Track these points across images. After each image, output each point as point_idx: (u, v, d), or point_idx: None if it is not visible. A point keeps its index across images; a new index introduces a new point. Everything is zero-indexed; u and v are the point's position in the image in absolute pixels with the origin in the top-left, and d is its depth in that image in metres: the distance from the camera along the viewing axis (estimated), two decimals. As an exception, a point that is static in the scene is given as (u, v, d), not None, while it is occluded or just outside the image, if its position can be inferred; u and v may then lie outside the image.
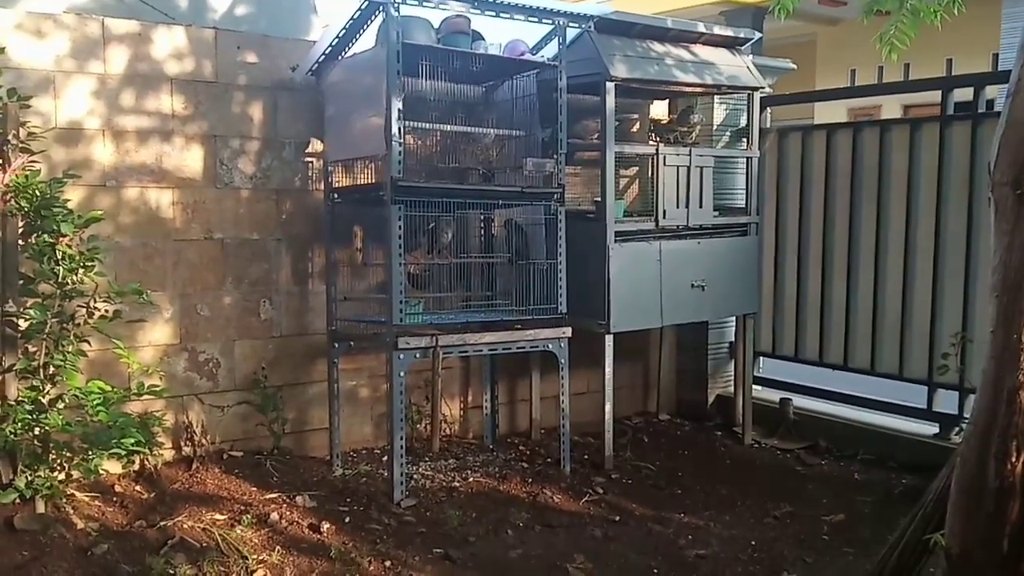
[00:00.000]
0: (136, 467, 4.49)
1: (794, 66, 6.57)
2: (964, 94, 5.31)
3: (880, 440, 5.55)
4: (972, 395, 4.33)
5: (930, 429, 5.42)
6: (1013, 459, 2.83)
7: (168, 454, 4.75)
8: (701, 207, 5.55)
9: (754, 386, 6.16)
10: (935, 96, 5.43)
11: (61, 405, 3.94)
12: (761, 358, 6.42)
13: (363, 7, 4.48)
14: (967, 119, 5.24)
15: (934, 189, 5.37)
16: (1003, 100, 3.07)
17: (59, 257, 3.91)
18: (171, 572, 3.63)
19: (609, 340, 5.21)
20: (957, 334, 5.19)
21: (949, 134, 5.31)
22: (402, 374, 4.51)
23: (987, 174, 3.00)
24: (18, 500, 3.85)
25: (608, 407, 5.26)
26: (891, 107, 11.96)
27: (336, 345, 5.02)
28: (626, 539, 4.35)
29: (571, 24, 4.92)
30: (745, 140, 5.97)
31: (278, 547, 3.96)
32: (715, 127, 6.29)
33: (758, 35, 5.99)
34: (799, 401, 6.11)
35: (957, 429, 5.22)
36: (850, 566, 4.08)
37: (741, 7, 12.50)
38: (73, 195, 4.28)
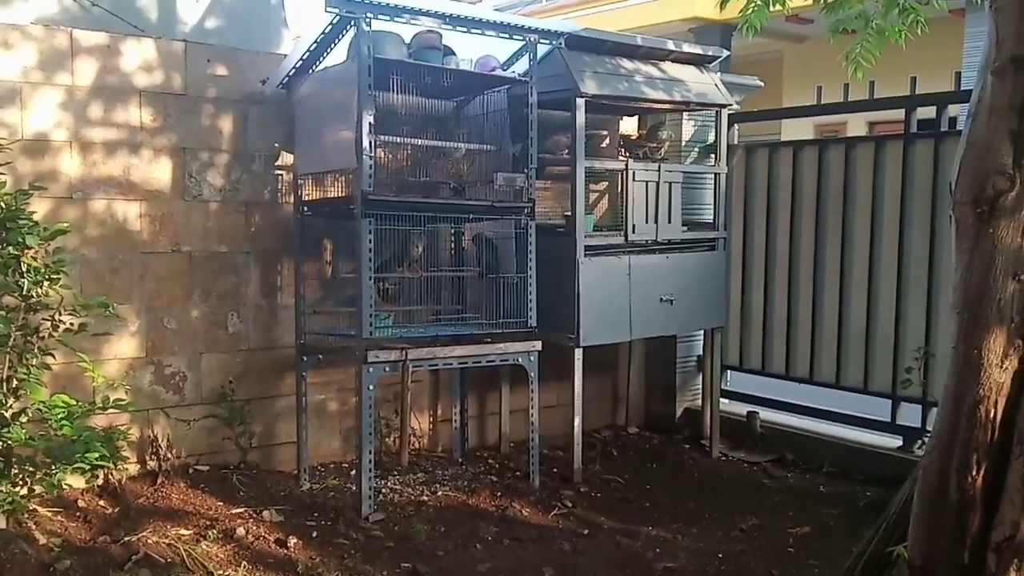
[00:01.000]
0: (100, 482, 4.44)
1: (761, 84, 6.66)
2: (928, 111, 5.41)
3: (845, 453, 5.62)
4: (935, 408, 4.40)
5: (894, 442, 5.50)
6: (974, 472, 2.89)
7: (133, 468, 4.69)
8: (670, 222, 5.59)
9: (722, 399, 6.22)
10: (900, 113, 5.53)
11: (24, 419, 3.88)
12: (729, 371, 6.48)
13: (335, 21, 4.48)
14: (930, 137, 5.35)
15: (898, 205, 5.47)
16: (964, 119, 3.14)
17: (24, 270, 3.85)
18: (136, 588, 3.59)
19: (579, 354, 5.23)
20: (920, 348, 5.28)
21: (912, 152, 5.41)
22: (371, 388, 4.50)
23: (949, 192, 3.06)
24: (-21, 515, 3.80)
25: (577, 420, 5.28)
26: (857, 123, 12.12)
27: (305, 358, 5.00)
28: (595, 552, 4.36)
29: (542, 40, 4.96)
30: (713, 156, 6.04)
31: (244, 562, 3.93)
32: (684, 143, 6.36)
33: (726, 53, 6.07)
34: (766, 414, 6.17)
35: (920, 442, 5.30)
36: (816, 578, 4.13)
37: (709, 24, 12.64)
38: (39, 207, 4.24)
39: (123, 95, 4.66)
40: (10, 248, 3.85)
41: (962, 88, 5.33)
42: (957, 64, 9.22)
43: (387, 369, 4.53)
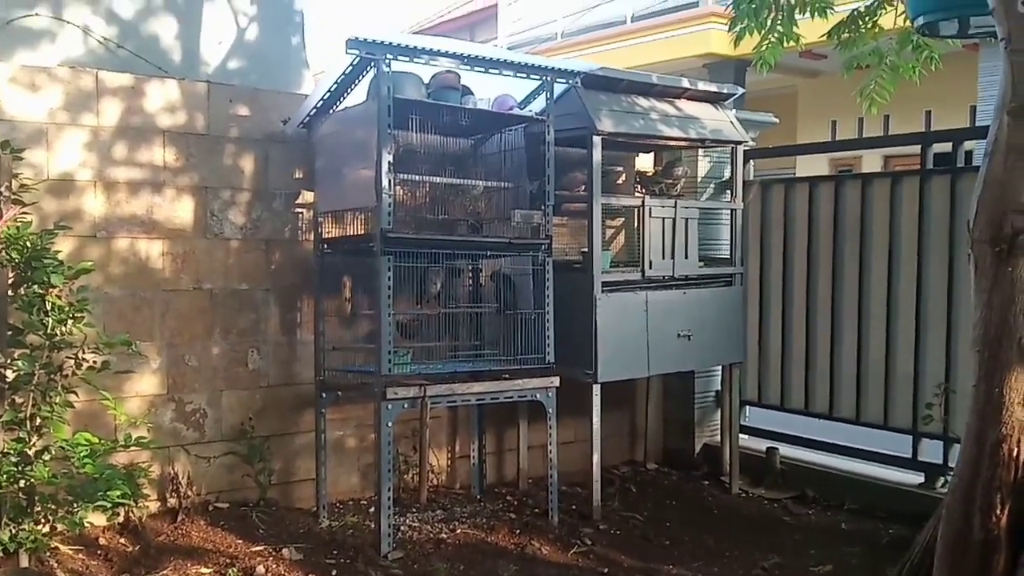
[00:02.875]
0: (121, 519, 4.45)
1: (776, 120, 6.70)
2: (944, 146, 5.42)
3: (866, 490, 5.57)
4: (956, 444, 4.36)
5: (915, 479, 5.45)
6: (997, 512, 2.87)
7: (153, 506, 4.71)
8: (687, 258, 5.61)
9: (741, 435, 6.18)
10: (915, 147, 5.55)
11: (47, 457, 3.91)
12: (747, 407, 6.46)
13: (355, 63, 4.55)
14: (946, 173, 5.35)
15: (915, 241, 5.46)
16: (981, 156, 3.16)
17: (48, 308, 3.91)
18: (156, 627, 3.59)
19: (596, 390, 5.23)
20: (940, 384, 5.24)
21: (929, 188, 5.41)
22: (390, 424, 4.51)
23: (966, 230, 3.07)
24: (1, 554, 3.82)
25: (596, 457, 5.26)
26: (872, 158, 12.17)
27: (324, 395, 5.02)
28: (614, 591, 4.33)
29: (559, 80, 5.01)
30: (729, 192, 6.07)
31: (264, 601, 3.93)
32: (699, 179, 6.39)
33: (741, 91, 6.12)
34: (786, 450, 6.13)
35: (942, 479, 5.25)
36: (838, 618, 4.08)
37: (724, 60, 12.74)
38: (64, 246, 4.30)
39: (147, 135, 4.74)
40: (35, 287, 3.91)
41: (977, 123, 5.34)
42: (972, 98, 9.26)
43: (406, 406, 4.55)
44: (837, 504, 5.58)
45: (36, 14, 5.12)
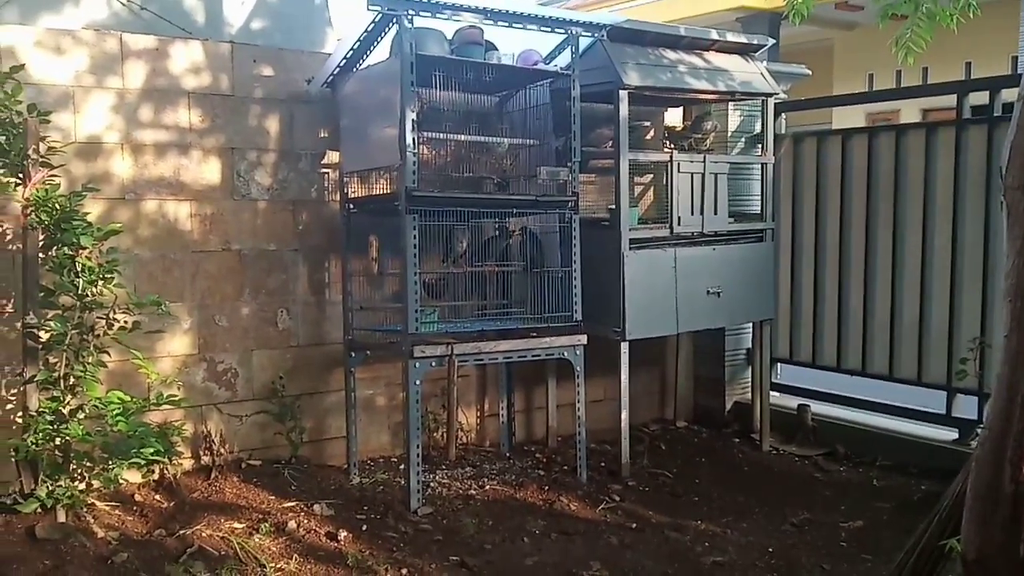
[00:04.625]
0: (156, 476, 4.54)
1: (808, 72, 6.56)
2: (981, 97, 5.28)
3: (899, 446, 5.52)
4: (990, 399, 4.30)
5: (949, 435, 5.39)
6: (1029, 464, 2.82)
7: (187, 463, 4.79)
8: (716, 214, 5.54)
9: (772, 392, 6.14)
10: (953, 99, 5.41)
11: (81, 415, 4.00)
12: (778, 364, 6.41)
13: (377, 19, 4.52)
14: (983, 123, 5.22)
15: (950, 193, 5.35)
16: (1016, 103, 3.06)
17: (79, 269, 3.97)
18: (190, 580, 3.67)
19: (625, 347, 5.21)
20: (975, 339, 5.16)
21: (965, 138, 5.29)
22: (418, 383, 4.53)
23: (1000, 178, 2.99)
24: (40, 510, 3.92)
25: (624, 414, 5.26)
26: (910, 111, 11.87)
27: (353, 354, 5.05)
28: (643, 546, 4.35)
29: (584, 33, 4.93)
30: (760, 146, 5.97)
31: (296, 555, 3.99)
32: (729, 133, 6.29)
33: (771, 41, 5.99)
34: (817, 407, 6.08)
35: (976, 434, 5.18)
36: (868, 573, 4.06)
37: (757, 13, 12.50)
38: (93, 208, 4.35)
39: (172, 97, 4.75)
40: (65, 249, 3.96)
41: (1018, 72, 5.19)
42: (1013, 48, 9.01)
43: (433, 364, 4.57)
44: (869, 461, 5.54)
45: (60, -23, 5.14)
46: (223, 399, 4.95)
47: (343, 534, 4.22)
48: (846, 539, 4.45)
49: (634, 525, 4.60)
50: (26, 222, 3.97)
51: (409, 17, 4.36)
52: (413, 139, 4.40)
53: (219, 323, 4.94)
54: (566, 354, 4.93)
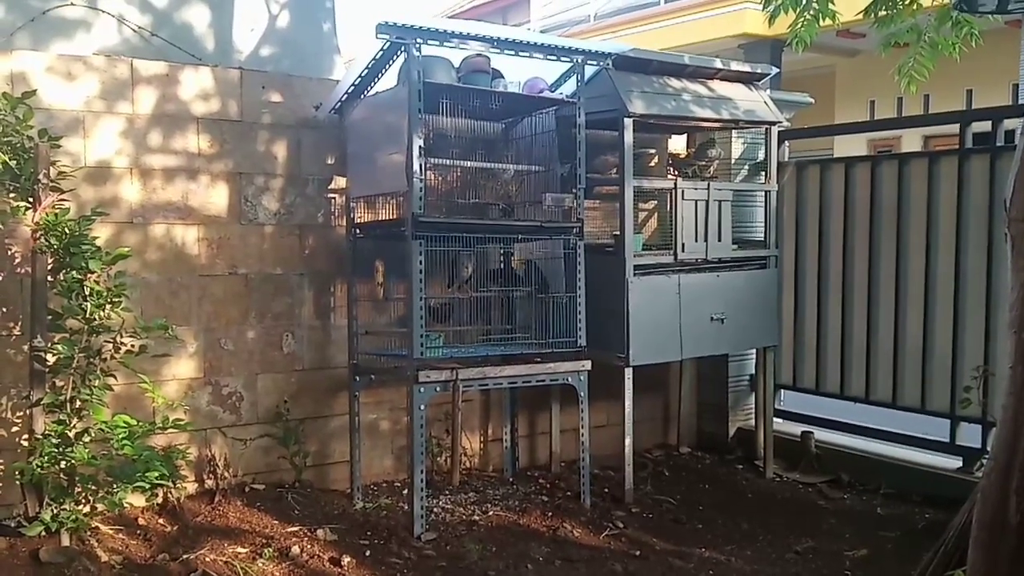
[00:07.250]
0: (160, 500, 4.54)
1: (811, 100, 6.61)
2: (984, 125, 5.32)
3: (903, 474, 5.51)
4: (995, 428, 4.30)
5: (953, 463, 5.38)
6: (1034, 495, 2.82)
7: (191, 487, 4.79)
8: (720, 240, 5.57)
9: (775, 419, 6.14)
10: (956, 127, 5.44)
11: (87, 439, 4.01)
12: (782, 391, 6.41)
13: (385, 47, 4.56)
14: (985, 152, 5.25)
15: (953, 222, 5.38)
16: (1019, 134, 3.09)
17: (87, 293, 3.99)
18: (194, 605, 3.66)
19: (629, 373, 5.22)
20: (979, 367, 5.16)
21: (968, 167, 5.32)
22: (422, 407, 4.54)
23: (1004, 209, 3.01)
24: (44, 533, 3.92)
25: (628, 440, 5.26)
26: (911, 138, 11.94)
27: (357, 378, 5.06)
28: (646, 574, 4.33)
29: (589, 62, 4.98)
30: (763, 174, 6.00)
31: (299, 581, 3.98)
32: (733, 161, 6.33)
33: (775, 70, 6.04)
34: (821, 434, 6.07)
35: (980, 463, 5.17)
36: (873, 602, 4.05)
37: (759, 40, 12.57)
38: (101, 232, 4.37)
39: (181, 123, 4.79)
40: (74, 272, 3.98)
41: (1020, 101, 5.23)
42: (1014, 76, 9.05)
43: (438, 389, 4.58)
44: (873, 488, 5.54)
45: (71, 3, 5.19)
46: (228, 423, 4.95)
47: (346, 559, 4.21)
48: (850, 568, 4.43)
49: (638, 552, 4.59)
50: (35, 246, 4.00)
51: (417, 45, 4.40)
52: (420, 165, 4.44)
53: (225, 347, 4.95)
54: (570, 380, 4.94)
